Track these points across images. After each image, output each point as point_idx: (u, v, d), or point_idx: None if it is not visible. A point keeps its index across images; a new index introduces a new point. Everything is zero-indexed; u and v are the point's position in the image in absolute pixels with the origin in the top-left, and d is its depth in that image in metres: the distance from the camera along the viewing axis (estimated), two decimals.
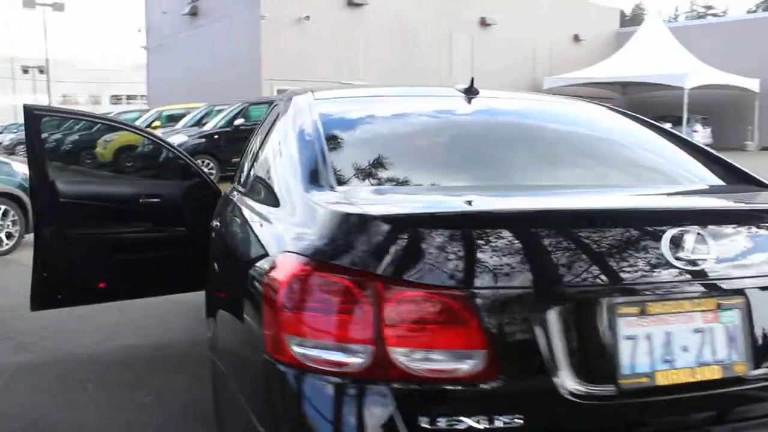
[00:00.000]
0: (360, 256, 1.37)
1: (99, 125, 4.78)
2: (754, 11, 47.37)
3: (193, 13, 25.81)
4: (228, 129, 14.50)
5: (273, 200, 1.90)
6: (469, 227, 1.41)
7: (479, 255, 1.37)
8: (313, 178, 1.75)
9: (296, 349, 1.41)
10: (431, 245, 1.37)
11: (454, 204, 1.61)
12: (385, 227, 1.39)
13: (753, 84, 26.06)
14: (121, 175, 5.96)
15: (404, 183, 1.88)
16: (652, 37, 26.93)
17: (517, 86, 27.55)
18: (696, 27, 31.70)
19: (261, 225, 1.92)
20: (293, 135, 2.06)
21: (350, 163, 1.93)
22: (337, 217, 1.47)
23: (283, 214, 1.75)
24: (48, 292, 3.72)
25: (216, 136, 14.53)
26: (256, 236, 1.91)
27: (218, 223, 2.69)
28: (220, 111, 15.86)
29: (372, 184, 1.84)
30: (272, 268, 1.53)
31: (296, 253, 1.48)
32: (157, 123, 19.20)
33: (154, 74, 30.91)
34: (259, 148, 2.62)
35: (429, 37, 25.17)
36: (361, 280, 1.36)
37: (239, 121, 14.45)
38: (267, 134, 2.53)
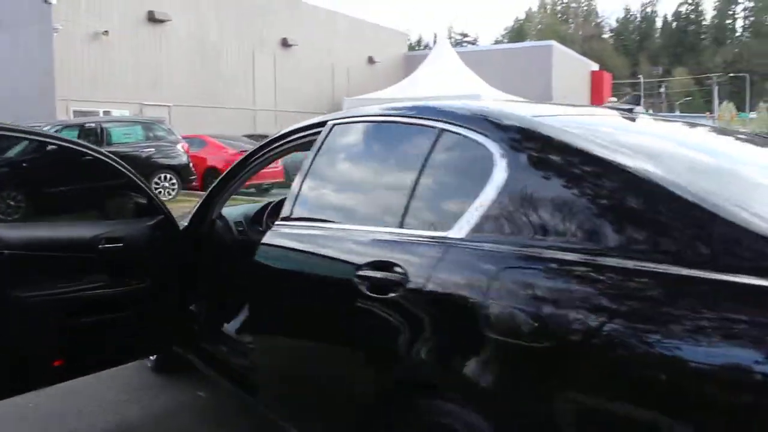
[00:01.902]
0: None
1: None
2: (501, 41, 52.68)
3: None
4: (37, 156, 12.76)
5: None
6: None
7: None
8: None
9: None
10: None
11: None
12: None
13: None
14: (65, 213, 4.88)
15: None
16: (443, 60, 28.67)
17: (318, 106, 27.90)
18: (481, 52, 34.44)
19: None
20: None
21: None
22: None
23: None
24: None
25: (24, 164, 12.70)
26: None
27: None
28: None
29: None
30: None
31: None
32: None
33: None
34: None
35: (232, 56, 24.49)
36: None
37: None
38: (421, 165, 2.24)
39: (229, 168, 3.49)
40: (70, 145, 3.25)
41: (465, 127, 2.10)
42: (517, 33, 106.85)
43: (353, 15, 31.02)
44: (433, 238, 1.97)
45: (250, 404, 2.98)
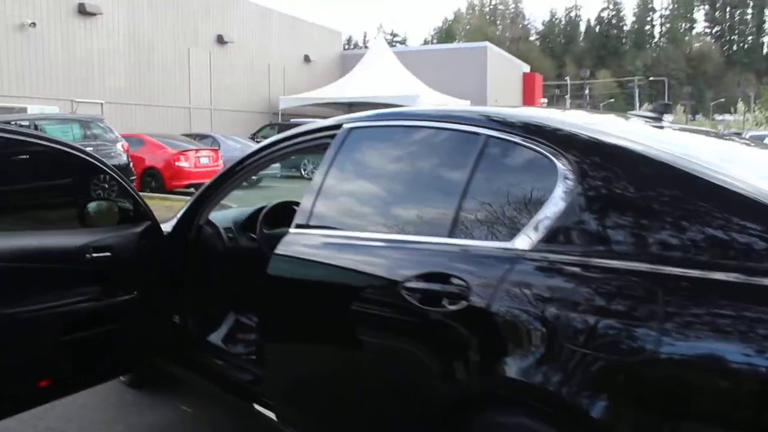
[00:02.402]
0: None
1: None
2: (430, 41, 53.24)
3: None
4: None
5: None
6: None
7: None
8: None
9: None
10: None
11: None
12: None
13: (465, 105, 29.11)
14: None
15: None
16: (379, 59, 28.69)
17: (255, 105, 27.50)
18: (417, 52, 34.58)
19: None
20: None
21: None
22: None
23: None
24: None
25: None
26: None
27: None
28: None
29: None
30: None
31: None
32: None
33: None
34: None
35: (167, 52, 23.78)
36: None
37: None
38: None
39: (220, 172, 3.38)
40: (55, 146, 3.07)
41: (518, 135, 2.06)
42: (446, 33, 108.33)
43: (288, 13, 30.68)
44: (495, 249, 1.92)
45: (253, 418, 2.84)
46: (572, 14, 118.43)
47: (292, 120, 24.69)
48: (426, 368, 2.00)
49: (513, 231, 1.91)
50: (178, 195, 13.82)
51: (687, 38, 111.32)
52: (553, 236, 1.82)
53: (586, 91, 67.27)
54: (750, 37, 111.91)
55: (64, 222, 3.23)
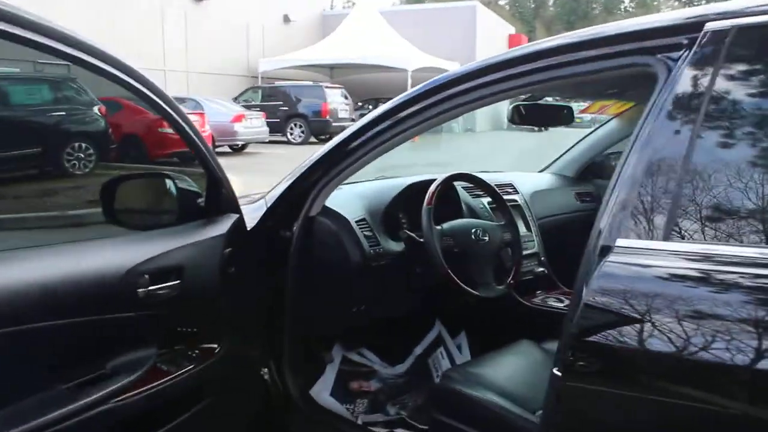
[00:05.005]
0: None
1: None
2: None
3: None
4: None
5: None
6: None
7: None
8: None
9: None
10: None
11: None
12: None
13: (454, 66, 27.74)
14: None
15: None
16: (365, 19, 27.13)
17: (233, 67, 25.79)
18: (404, 12, 33.08)
19: None
20: None
21: None
22: None
23: None
24: None
25: None
26: None
27: None
28: None
29: None
30: None
31: None
32: None
33: None
34: None
35: (139, 10, 21.84)
36: None
37: None
38: None
39: (340, 137, 2.01)
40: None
41: None
42: None
43: None
44: None
45: None
46: None
47: (276, 83, 23.11)
48: None
49: None
50: (166, 167, 12.28)
51: (656, 3, 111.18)
52: None
53: None
54: None
55: (80, 220, 1.86)
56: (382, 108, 1.91)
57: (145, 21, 22.07)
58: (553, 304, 2.75)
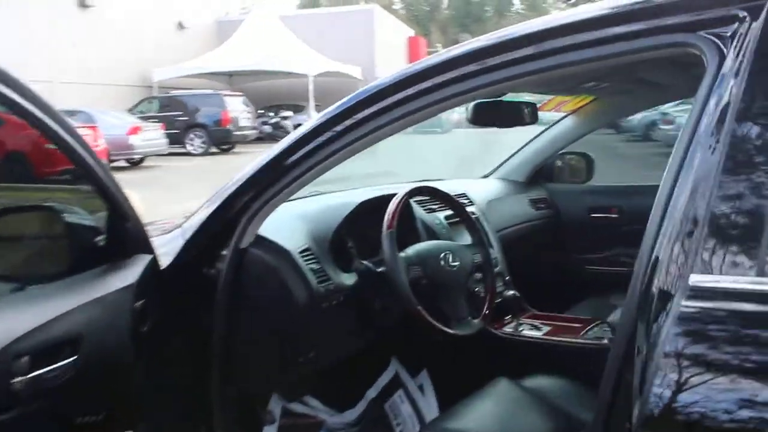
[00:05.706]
0: None
1: None
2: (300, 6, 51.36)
3: None
4: None
5: None
6: None
7: None
8: None
9: None
10: None
11: None
12: None
13: (356, 71, 27.87)
14: None
15: None
16: (262, 24, 26.69)
17: (127, 78, 24.72)
18: (302, 16, 32.65)
19: None
20: None
21: None
22: None
23: None
24: None
25: None
26: None
27: None
28: None
29: None
30: None
31: None
32: None
33: None
34: None
35: (25, 19, 20.52)
36: None
37: None
38: None
39: (275, 150, 1.66)
40: None
41: None
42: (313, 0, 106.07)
43: None
44: None
45: None
46: None
47: (173, 92, 22.33)
48: None
49: None
50: (56, 185, 11.49)
51: (545, 5, 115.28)
52: None
53: None
54: None
55: None
56: (329, 111, 1.59)
57: (31, 30, 20.77)
58: (528, 333, 2.42)
